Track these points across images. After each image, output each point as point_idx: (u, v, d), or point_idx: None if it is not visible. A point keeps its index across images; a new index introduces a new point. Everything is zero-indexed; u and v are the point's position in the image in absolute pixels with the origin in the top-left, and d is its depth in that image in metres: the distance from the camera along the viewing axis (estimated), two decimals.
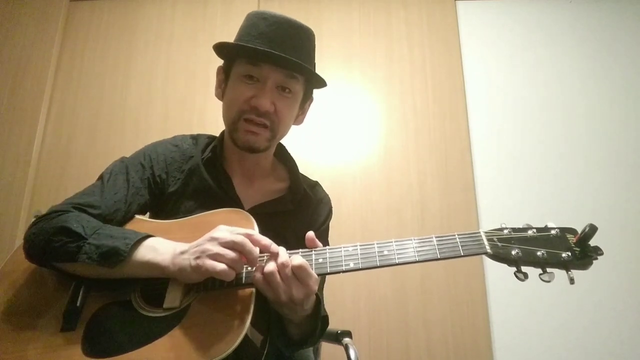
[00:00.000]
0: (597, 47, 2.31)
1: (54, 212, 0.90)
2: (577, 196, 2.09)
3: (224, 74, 1.06)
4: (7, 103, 2.31)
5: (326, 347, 1.33)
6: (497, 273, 2.00)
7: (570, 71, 2.28)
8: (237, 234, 0.81)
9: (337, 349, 1.26)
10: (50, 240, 0.85)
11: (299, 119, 1.11)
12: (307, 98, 1.10)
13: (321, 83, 1.05)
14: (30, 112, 2.29)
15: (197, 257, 0.79)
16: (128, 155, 1.09)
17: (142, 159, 1.05)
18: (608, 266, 1.92)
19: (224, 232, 0.81)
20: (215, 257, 0.78)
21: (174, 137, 1.13)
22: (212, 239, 0.80)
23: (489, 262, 2.01)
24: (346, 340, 1.26)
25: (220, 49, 1.02)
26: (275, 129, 1.01)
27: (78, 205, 0.93)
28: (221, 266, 0.77)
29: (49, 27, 2.42)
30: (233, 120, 1.00)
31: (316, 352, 1.28)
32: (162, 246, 0.85)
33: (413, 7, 2.41)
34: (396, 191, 2.13)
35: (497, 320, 1.96)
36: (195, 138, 1.13)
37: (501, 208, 2.09)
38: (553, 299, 1.95)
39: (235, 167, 1.08)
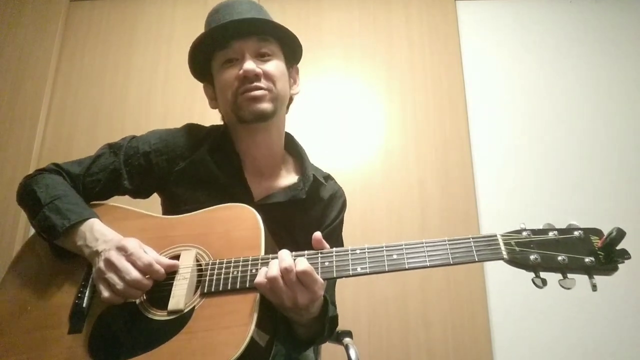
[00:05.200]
0: (597, 47, 2.31)
1: (38, 171, 1.04)
2: (577, 195, 2.09)
3: (210, 86, 1.09)
4: (7, 103, 2.30)
5: (326, 347, 1.32)
6: (498, 273, 2.00)
7: (571, 71, 2.28)
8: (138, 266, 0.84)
9: (337, 349, 1.26)
10: (23, 198, 1.00)
11: (293, 87, 1.11)
12: (290, 63, 1.10)
13: (293, 40, 1.06)
14: (30, 112, 2.28)
15: (98, 274, 0.84)
16: None
17: (142, 143, 1.07)
18: None
19: (125, 263, 0.84)
20: (109, 284, 0.83)
21: (186, 124, 1.14)
22: (112, 267, 0.83)
23: (490, 262, 2.01)
24: (346, 340, 1.25)
25: (193, 55, 1.05)
26: (273, 89, 1.01)
27: (59, 168, 1.04)
28: (106, 294, 0.83)
29: (49, 27, 2.41)
30: (232, 101, 1.01)
31: (316, 352, 1.27)
32: (93, 236, 0.89)
33: (413, 7, 2.40)
34: (396, 191, 2.13)
35: (497, 320, 1.95)
36: (210, 129, 1.14)
37: (501, 208, 2.09)
38: (553, 299, 1.94)
39: (246, 161, 1.08)
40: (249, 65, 0.98)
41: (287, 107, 1.12)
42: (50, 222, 0.91)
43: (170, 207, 1.06)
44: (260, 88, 0.99)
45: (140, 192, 1.09)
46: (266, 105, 0.99)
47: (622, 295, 1.94)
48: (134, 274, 0.82)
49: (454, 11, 2.39)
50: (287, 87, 1.07)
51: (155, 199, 1.13)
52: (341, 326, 1.26)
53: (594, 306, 1.94)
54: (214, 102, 1.10)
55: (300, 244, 0.86)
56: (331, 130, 2.24)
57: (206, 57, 1.06)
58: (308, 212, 1.07)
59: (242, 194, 1.01)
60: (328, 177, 1.18)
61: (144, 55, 2.40)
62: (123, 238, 0.88)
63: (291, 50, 1.08)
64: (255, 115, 0.99)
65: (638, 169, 2.12)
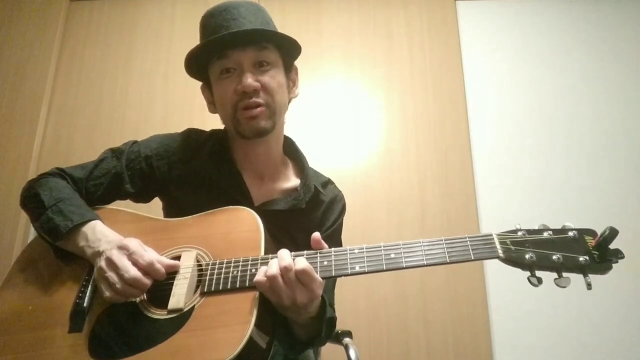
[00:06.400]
0: (597, 47, 2.31)
1: (41, 175, 1.04)
2: (577, 196, 2.09)
3: (208, 89, 1.08)
4: (7, 103, 2.30)
5: (326, 347, 1.32)
6: (497, 273, 2.00)
7: (571, 71, 2.28)
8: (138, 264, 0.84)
9: (337, 349, 1.26)
10: (27, 202, 1.01)
11: (292, 90, 1.10)
12: (290, 67, 1.09)
13: (293, 44, 1.04)
14: (30, 112, 2.28)
15: (100, 273, 0.85)
16: None
17: (144, 148, 1.08)
18: None
19: (126, 261, 0.84)
20: (109, 283, 0.84)
21: (187, 129, 1.14)
22: (113, 266, 0.84)
23: (489, 262, 2.01)
24: (346, 340, 1.26)
25: (189, 64, 1.04)
26: (271, 103, 1.00)
27: (62, 172, 1.05)
28: (107, 293, 0.83)
29: (49, 27, 2.41)
30: (232, 116, 1.01)
31: (316, 352, 1.28)
32: (95, 237, 0.90)
33: (413, 7, 2.40)
34: (396, 191, 2.13)
35: (497, 320, 1.96)
36: (210, 134, 1.14)
37: (501, 208, 2.09)
38: (553, 299, 1.94)
39: (245, 165, 1.08)
40: (248, 80, 0.96)
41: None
42: (53, 224, 0.91)
43: (171, 211, 1.07)
44: (258, 105, 0.98)
45: (142, 196, 1.09)
46: (264, 123, 0.99)
47: (621, 295, 1.95)
48: (133, 272, 0.83)
49: (454, 11, 2.39)
50: (286, 97, 1.06)
51: (156, 203, 1.14)
52: (341, 326, 1.26)
53: (593, 305, 1.94)
54: (212, 106, 1.09)
55: (300, 246, 0.87)
56: (331, 130, 2.24)
57: (203, 63, 1.05)
58: (308, 216, 1.07)
59: (241, 199, 1.02)
60: (328, 182, 1.18)
61: (144, 55, 2.40)
62: (124, 238, 0.89)
63: (289, 53, 1.07)
64: (254, 133, 1.00)
65: (636, 168, 2.12)
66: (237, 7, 1.00)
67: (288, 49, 1.06)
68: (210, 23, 1.01)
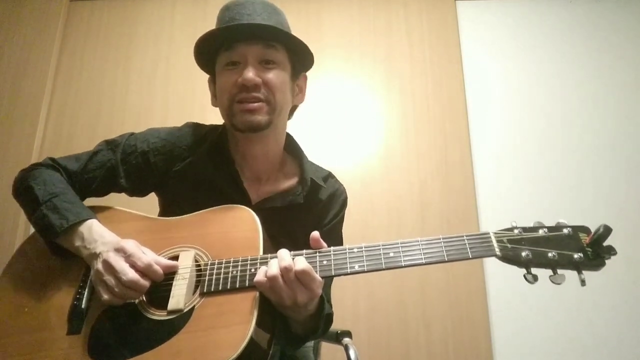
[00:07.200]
0: (597, 47, 2.31)
1: (34, 165, 1.02)
2: (577, 195, 2.09)
3: (213, 82, 1.07)
4: (7, 103, 2.30)
5: (326, 347, 1.33)
6: (497, 273, 2.00)
7: (571, 71, 2.28)
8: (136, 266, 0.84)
9: (337, 349, 1.26)
10: (20, 193, 0.98)
11: (298, 97, 1.08)
12: (297, 72, 1.07)
13: (303, 49, 1.02)
14: (30, 112, 2.28)
15: (97, 276, 0.84)
16: None
17: (141, 142, 1.06)
18: (608, 265, 1.91)
19: (123, 264, 0.84)
20: (107, 286, 0.83)
21: (186, 124, 1.12)
22: (110, 269, 0.83)
23: (489, 262, 2.01)
24: (346, 340, 1.25)
25: (198, 51, 1.03)
26: (271, 100, 0.98)
27: (56, 163, 1.02)
28: (106, 296, 0.83)
29: (49, 27, 2.42)
30: (228, 107, 0.99)
31: (316, 352, 1.27)
32: (92, 237, 0.89)
33: (413, 6, 2.40)
34: (396, 191, 2.13)
35: (497, 320, 1.95)
36: (209, 129, 1.12)
37: (501, 207, 2.09)
38: (553, 299, 1.94)
39: (243, 164, 1.06)
40: (249, 74, 0.95)
41: (291, 114, 1.11)
42: (48, 221, 0.90)
43: (168, 207, 1.06)
44: (257, 99, 0.96)
45: (137, 191, 1.08)
46: (261, 118, 0.97)
47: (621, 296, 1.95)
48: (131, 274, 0.82)
49: (454, 11, 2.39)
50: (288, 97, 1.04)
51: (153, 199, 1.13)
52: (341, 326, 1.26)
53: (592, 304, 1.94)
54: (214, 99, 1.08)
55: (299, 245, 0.86)
56: (331, 130, 2.24)
57: (212, 54, 1.04)
58: (307, 214, 1.06)
59: (239, 197, 1.01)
60: (328, 176, 1.15)
61: (143, 54, 2.40)
62: (121, 240, 0.88)
63: (300, 59, 1.05)
64: (248, 127, 0.97)
65: (635, 168, 2.12)
66: (253, 3, 0.99)
67: (298, 54, 1.04)
68: (224, 15, 1.00)
